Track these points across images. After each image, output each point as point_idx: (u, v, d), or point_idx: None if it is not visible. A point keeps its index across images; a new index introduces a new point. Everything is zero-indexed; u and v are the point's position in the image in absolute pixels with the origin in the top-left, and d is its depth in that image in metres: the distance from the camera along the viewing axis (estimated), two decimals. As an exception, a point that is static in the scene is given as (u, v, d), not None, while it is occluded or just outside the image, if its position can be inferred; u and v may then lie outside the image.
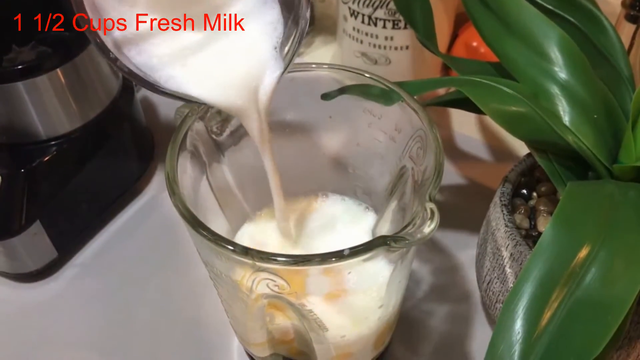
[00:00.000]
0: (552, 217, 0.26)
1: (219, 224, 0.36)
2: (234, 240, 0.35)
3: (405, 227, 0.26)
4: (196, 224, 0.26)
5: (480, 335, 0.41)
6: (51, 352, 0.40)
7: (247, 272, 0.26)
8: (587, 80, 0.33)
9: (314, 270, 0.25)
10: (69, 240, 0.45)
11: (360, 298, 0.30)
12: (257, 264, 0.25)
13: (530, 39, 0.34)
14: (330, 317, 0.29)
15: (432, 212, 0.26)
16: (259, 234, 0.37)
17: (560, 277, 0.25)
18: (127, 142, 0.47)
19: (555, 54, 0.33)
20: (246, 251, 0.25)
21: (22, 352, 0.40)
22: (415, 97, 0.32)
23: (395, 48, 0.51)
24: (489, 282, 0.37)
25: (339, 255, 0.24)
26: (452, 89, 0.40)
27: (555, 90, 0.33)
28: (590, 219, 0.26)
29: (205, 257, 0.29)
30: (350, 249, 0.25)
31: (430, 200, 0.26)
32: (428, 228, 0.25)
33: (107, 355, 0.40)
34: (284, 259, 0.24)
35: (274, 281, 0.26)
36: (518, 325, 0.24)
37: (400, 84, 0.33)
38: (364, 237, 0.36)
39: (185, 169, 0.31)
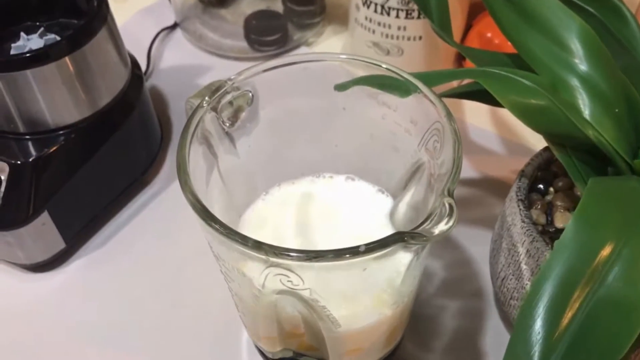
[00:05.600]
0: (574, 214, 0.25)
1: (229, 215, 0.35)
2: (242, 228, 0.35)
3: (423, 223, 0.25)
4: (208, 217, 0.26)
5: (494, 332, 0.40)
6: (59, 342, 0.40)
7: (259, 267, 0.25)
8: (608, 72, 0.32)
9: (328, 266, 0.24)
10: (77, 230, 0.44)
11: (375, 295, 0.29)
12: (270, 259, 0.24)
13: (550, 29, 0.33)
14: (344, 313, 0.29)
15: (451, 208, 0.25)
16: (267, 214, 0.36)
17: (582, 276, 0.24)
18: (135, 132, 0.47)
19: (576, 45, 0.33)
20: (259, 246, 0.24)
21: (31, 342, 0.40)
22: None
23: (408, 38, 0.50)
24: (503, 279, 0.36)
25: (354, 252, 0.24)
26: (467, 80, 0.40)
27: (575, 82, 0.32)
28: (613, 216, 0.26)
29: (216, 251, 0.28)
30: (366, 245, 0.24)
31: (449, 195, 0.26)
32: (446, 225, 0.24)
33: (115, 347, 0.39)
34: (297, 254, 0.24)
35: (287, 277, 0.25)
36: (538, 325, 0.24)
37: (416, 75, 0.32)
38: (380, 221, 0.35)
39: (197, 160, 0.30)
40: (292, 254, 0.24)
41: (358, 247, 0.24)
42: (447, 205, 0.25)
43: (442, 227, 0.24)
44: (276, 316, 0.30)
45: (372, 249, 0.24)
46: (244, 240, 0.24)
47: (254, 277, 0.27)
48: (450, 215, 0.25)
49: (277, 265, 0.25)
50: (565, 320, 0.24)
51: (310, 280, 0.25)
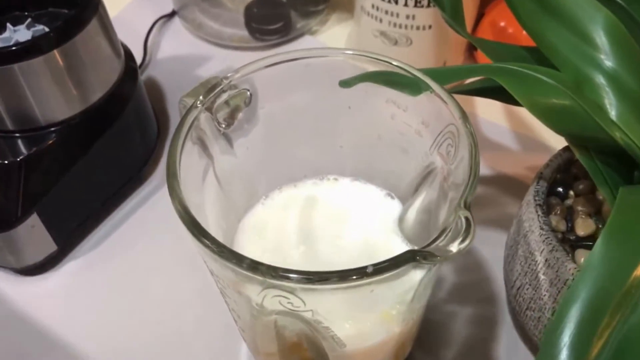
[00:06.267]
0: (603, 230, 0.23)
1: (227, 221, 0.33)
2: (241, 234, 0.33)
3: (436, 239, 0.23)
4: (198, 232, 0.24)
5: (507, 341, 0.38)
6: (50, 348, 0.38)
7: (256, 287, 0.23)
8: (638, 68, 0.29)
9: (332, 288, 0.22)
10: (69, 232, 0.42)
11: (383, 312, 0.27)
12: (268, 280, 0.22)
13: (573, 21, 0.31)
14: (349, 333, 0.26)
15: (468, 222, 0.22)
16: (267, 219, 0.34)
17: (612, 300, 0.22)
18: (130, 127, 0.45)
19: (602, 39, 0.30)
20: (255, 267, 0.22)
21: (22, 347, 0.38)
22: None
23: (417, 28, 0.48)
24: (519, 288, 0.34)
25: (361, 274, 0.22)
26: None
27: (601, 80, 0.30)
28: (648, 231, 0.23)
29: (210, 267, 0.26)
30: (374, 266, 0.22)
31: (465, 207, 0.23)
32: (463, 244, 0.22)
33: (109, 354, 0.38)
34: (297, 276, 0.22)
35: (287, 298, 0.23)
36: (564, 355, 0.21)
37: (427, 72, 0.29)
38: (388, 227, 0.33)
39: (190, 163, 0.28)
40: (292, 275, 0.22)
41: (365, 268, 0.22)
42: (463, 220, 0.23)
43: (458, 245, 0.22)
44: (276, 334, 0.28)
45: (381, 270, 0.22)
46: (238, 260, 0.22)
47: (250, 296, 0.24)
48: (467, 230, 0.22)
49: (276, 287, 0.22)
50: (595, 350, 0.21)
51: (312, 302, 0.23)
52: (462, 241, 0.22)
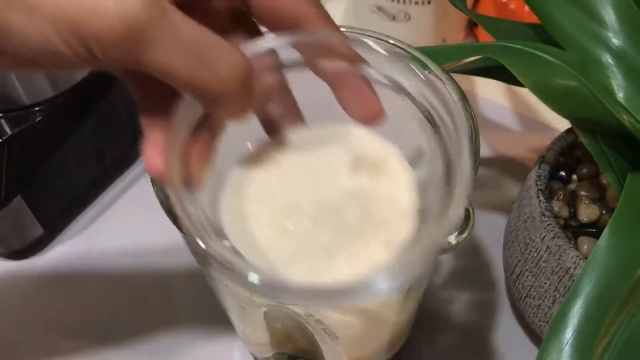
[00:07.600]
0: (610, 221, 0.22)
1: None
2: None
3: (433, 230, 0.22)
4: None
5: (505, 328, 0.37)
6: (37, 335, 0.37)
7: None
8: (647, 48, 0.28)
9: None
10: (55, 215, 0.41)
11: (378, 305, 0.26)
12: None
13: (580, -3, 0.29)
14: (342, 326, 0.25)
15: (467, 213, 0.21)
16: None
17: (619, 295, 0.21)
18: (118, 106, 0.43)
19: (610, 16, 0.29)
20: (246, 283, 0.20)
21: (7, 333, 0.37)
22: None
23: (416, 2, 0.46)
24: (519, 274, 0.33)
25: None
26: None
27: (608, 59, 0.28)
28: (657, 223, 0.22)
29: (194, 257, 0.25)
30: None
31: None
32: (461, 235, 0.21)
33: (97, 341, 0.37)
34: (294, 294, 0.19)
35: (277, 294, 0.22)
36: (567, 352, 0.20)
37: (425, 51, 0.28)
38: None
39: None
40: (288, 295, 0.19)
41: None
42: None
43: (456, 236, 0.21)
44: (267, 326, 0.27)
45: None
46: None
47: (238, 290, 0.23)
48: (466, 221, 0.21)
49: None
50: (600, 347, 0.20)
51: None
52: (461, 232, 0.21)
